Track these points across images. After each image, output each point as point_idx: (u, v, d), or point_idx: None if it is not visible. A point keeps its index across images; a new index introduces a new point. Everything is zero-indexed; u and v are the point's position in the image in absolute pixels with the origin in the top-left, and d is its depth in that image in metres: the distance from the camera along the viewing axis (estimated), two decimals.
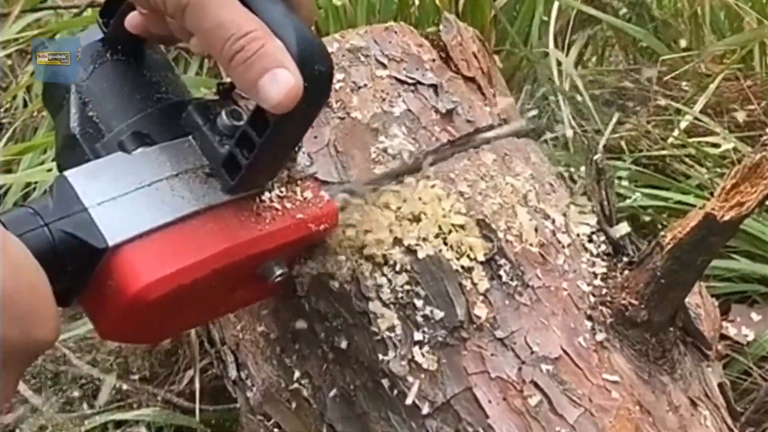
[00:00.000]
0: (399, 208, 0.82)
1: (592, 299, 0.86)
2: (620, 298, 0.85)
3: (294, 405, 0.86)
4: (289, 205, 0.71)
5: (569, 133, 1.38)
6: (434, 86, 0.88)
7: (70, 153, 0.71)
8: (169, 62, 0.77)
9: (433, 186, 0.84)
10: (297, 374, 0.84)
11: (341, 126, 0.84)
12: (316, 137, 0.83)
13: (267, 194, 0.70)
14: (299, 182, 0.73)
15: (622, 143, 1.50)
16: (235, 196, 0.68)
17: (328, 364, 0.83)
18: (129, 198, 0.65)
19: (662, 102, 1.56)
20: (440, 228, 0.82)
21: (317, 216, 0.72)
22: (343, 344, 0.81)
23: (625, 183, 1.40)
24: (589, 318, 0.85)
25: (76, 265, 0.63)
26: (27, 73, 1.85)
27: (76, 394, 1.38)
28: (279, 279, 0.72)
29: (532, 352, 0.81)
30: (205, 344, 1.15)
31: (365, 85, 0.86)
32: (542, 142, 1.12)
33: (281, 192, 0.71)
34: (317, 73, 0.63)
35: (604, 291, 0.86)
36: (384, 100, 0.86)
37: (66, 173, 0.65)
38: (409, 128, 0.86)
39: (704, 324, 0.94)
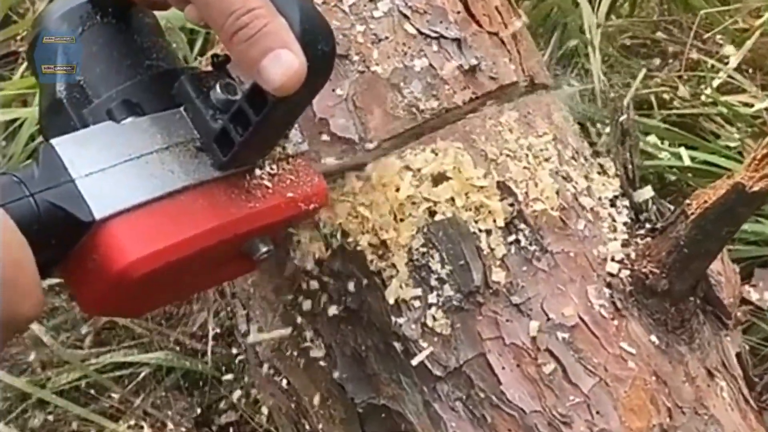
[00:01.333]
0: (418, 168, 0.80)
1: (612, 266, 0.83)
2: (641, 266, 0.83)
3: (303, 362, 0.85)
4: (279, 183, 0.69)
5: (597, 86, 1.35)
6: (458, 40, 0.85)
7: (55, 118, 0.68)
8: (159, 27, 0.74)
9: (453, 146, 0.81)
10: (308, 332, 0.83)
11: (360, 80, 0.82)
12: (334, 90, 0.81)
13: (258, 171, 0.68)
14: (290, 160, 0.71)
15: (652, 98, 1.46)
16: (226, 172, 0.66)
17: (339, 323, 0.82)
18: (117, 170, 0.63)
19: (695, 56, 1.52)
20: (459, 189, 0.80)
21: (307, 195, 0.70)
22: (355, 305, 0.80)
23: (651, 139, 1.37)
24: (608, 285, 0.83)
25: (60, 237, 0.61)
26: (45, 1, 1.82)
27: (86, 331, 1.39)
28: (264, 257, 0.70)
29: (548, 319, 0.80)
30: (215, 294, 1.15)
31: (386, 38, 0.83)
32: (569, 97, 1.09)
33: (272, 169, 0.69)
34: (320, 53, 0.61)
35: (625, 258, 0.84)
36: (405, 54, 0.83)
37: (53, 141, 0.62)
38: (430, 84, 0.83)
39: (724, 291, 0.91)
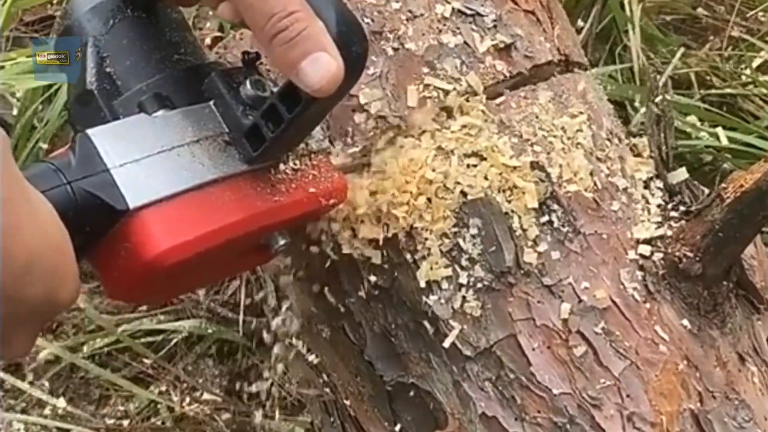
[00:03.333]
0: (452, 148, 0.79)
1: (645, 249, 0.83)
2: (675, 249, 0.82)
3: (333, 339, 0.85)
4: (302, 179, 0.71)
5: (636, 64, 1.33)
6: (493, 18, 0.84)
7: (84, 107, 0.70)
8: (186, 23, 0.75)
9: (486, 125, 0.81)
10: (338, 309, 0.83)
11: (395, 57, 0.81)
12: (368, 68, 0.80)
13: (282, 166, 0.71)
14: (312, 156, 0.73)
15: (692, 76, 1.44)
16: (253, 166, 0.68)
17: (369, 301, 0.82)
18: (150, 161, 0.65)
19: (736, 33, 1.49)
20: (492, 169, 0.79)
21: (328, 191, 0.73)
22: (386, 283, 0.80)
23: (690, 119, 1.35)
24: (641, 268, 0.82)
25: (93, 225, 0.62)
26: None
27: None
28: (281, 248, 0.72)
29: (580, 301, 0.79)
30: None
31: (421, 15, 0.83)
32: (607, 75, 1.07)
33: (295, 165, 0.71)
34: (355, 55, 0.63)
35: (658, 241, 0.83)
36: (440, 31, 0.82)
37: (89, 132, 0.64)
38: (464, 62, 0.82)
39: (757, 275, 0.91)
